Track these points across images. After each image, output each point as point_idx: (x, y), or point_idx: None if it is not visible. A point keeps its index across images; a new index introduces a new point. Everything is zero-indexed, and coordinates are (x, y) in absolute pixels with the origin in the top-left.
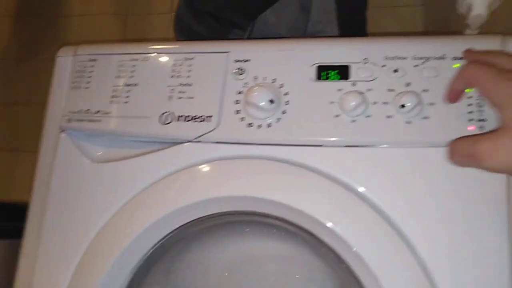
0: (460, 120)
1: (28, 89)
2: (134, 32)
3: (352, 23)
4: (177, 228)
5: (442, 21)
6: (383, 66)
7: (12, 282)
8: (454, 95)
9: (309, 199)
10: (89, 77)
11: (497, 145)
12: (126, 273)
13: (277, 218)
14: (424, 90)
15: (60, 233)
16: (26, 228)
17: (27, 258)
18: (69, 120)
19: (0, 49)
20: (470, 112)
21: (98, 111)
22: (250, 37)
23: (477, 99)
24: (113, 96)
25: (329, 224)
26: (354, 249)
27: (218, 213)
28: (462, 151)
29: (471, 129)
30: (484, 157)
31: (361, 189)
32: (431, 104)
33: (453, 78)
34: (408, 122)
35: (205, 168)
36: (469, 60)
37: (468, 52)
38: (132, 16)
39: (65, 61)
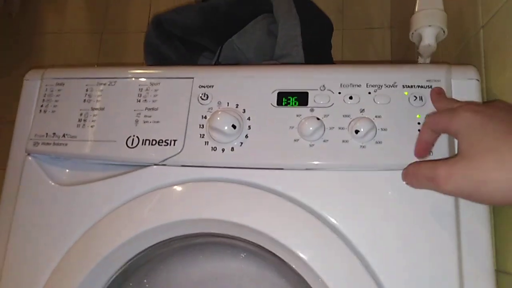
0: (410, 145)
1: (1, 107)
2: (109, 50)
3: (317, 48)
4: (144, 250)
5: (405, 47)
6: (339, 93)
7: None
8: (422, 147)
9: (271, 222)
10: (56, 101)
11: (453, 171)
12: None
13: (241, 239)
14: (377, 116)
15: (25, 256)
16: None
17: None
18: (36, 144)
19: None
20: None
21: (64, 135)
22: (218, 61)
23: None
24: (80, 120)
25: (290, 246)
26: (311, 265)
27: (184, 235)
28: (422, 174)
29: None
30: (442, 181)
31: (321, 211)
32: (383, 129)
33: (419, 134)
34: (363, 147)
35: (171, 190)
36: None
37: (434, 94)
38: (107, 34)
39: (33, 85)
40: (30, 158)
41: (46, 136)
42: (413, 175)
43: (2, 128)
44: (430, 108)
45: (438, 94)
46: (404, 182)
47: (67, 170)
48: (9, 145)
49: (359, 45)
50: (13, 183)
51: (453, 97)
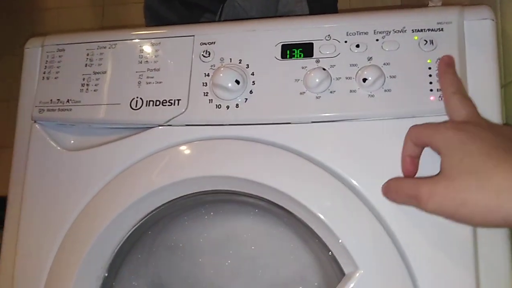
0: (421, 91)
1: (7, 86)
2: (111, 21)
3: (321, 1)
4: (154, 210)
5: None
6: (345, 42)
7: None
8: (407, 164)
9: (281, 177)
10: (58, 67)
11: (435, 191)
12: (107, 253)
13: (250, 195)
14: (385, 64)
15: (38, 220)
16: (6, 218)
17: (8, 247)
18: (41, 111)
19: None
20: (431, 83)
21: (68, 100)
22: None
23: (436, 69)
24: (83, 85)
25: (301, 201)
26: (323, 218)
27: (193, 193)
28: (404, 192)
29: (432, 99)
30: (424, 200)
31: (329, 164)
32: (392, 77)
33: (402, 149)
34: (371, 96)
35: (177, 150)
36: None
37: (443, 65)
38: (108, 6)
39: (34, 52)
40: (36, 125)
41: (51, 103)
42: (395, 193)
43: (9, 105)
44: (441, 52)
45: (447, 66)
46: (384, 197)
47: (73, 136)
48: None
49: None
50: (22, 151)
51: (466, 41)
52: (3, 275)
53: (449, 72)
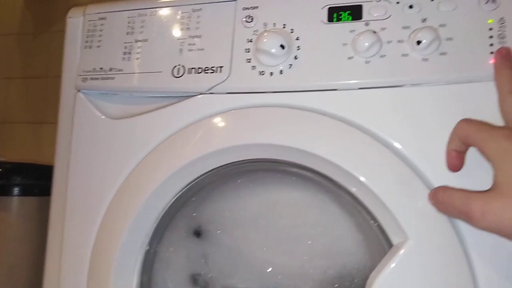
0: (480, 54)
1: (45, 63)
2: None
3: None
4: (198, 178)
5: None
6: (398, 2)
7: (45, 234)
8: (452, 159)
9: (326, 144)
10: (100, 35)
11: (489, 209)
12: (151, 219)
13: (292, 164)
14: (441, 25)
15: (84, 187)
16: (53, 185)
17: (56, 212)
18: (84, 80)
19: (16, 24)
20: (491, 45)
21: (111, 69)
22: None
23: (498, 30)
24: (125, 53)
25: (346, 168)
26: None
27: (235, 162)
28: (454, 206)
29: (493, 63)
30: (475, 218)
31: (379, 132)
32: (449, 39)
33: (448, 142)
34: (425, 60)
35: (220, 118)
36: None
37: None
38: None
39: (76, 22)
40: (80, 94)
41: (94, 71)
42: (444, 205)
43: (47, 81)
44: (504, 10)
45: (504, 58)
46: (431, 202)
47: (116, 105)
48: (57, 101)
49: None
50: (66, 120)
51: None
52: (53, 240)
53: (505, 67)
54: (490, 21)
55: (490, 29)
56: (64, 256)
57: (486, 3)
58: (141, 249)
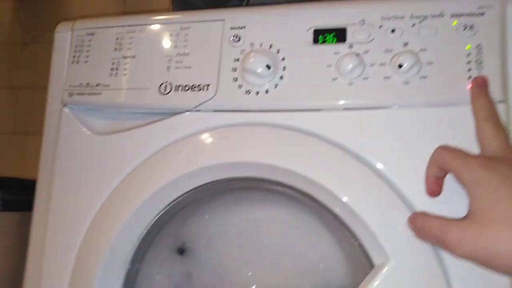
0: (459, 79)
1: (32, 73)
2: (134, 7)
3: None
4: (182, 195)
5: None
6: (380, 26)
7: (25, 251)
8: (431, 184)
9: (310, 164)
10: (88, 51)
11: (465, 237)
12: (134, 237)
13: (277, 183)
14: (422, 49)
15: (67, 203)
16: (35, 201)
17: (38, 228)
18: (71, 94)
19: (4, 34)
20: (469, 70)
21: (98, 84)
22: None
23: (476, 56)
24: (112, 69)
25: (329, 188)
26: (352, 206)
27: (220, 179)
28: (433, 233)
29: (469, 88)
30: (453, 245)
31: (362, 153)
32: (429, 63)
33: (426, 168)
34: (406, 83)
35: (206, 136)
36: (474, 92)
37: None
38: None
39: (64, 37)
40: (66, 109)
41: (80, 86)
42: (422, 231)
43: (35, 92)
44: (481, 37)
45: (480, 88)
46: (409, 227)
47: (102, 120)
48: (43, 112)
49: None
50: (51, 134)
51: (509, 27)
52: (33, 257)
53: (482, 95)
54: (468, 47)
55: (468, 54)
56: (45, 273)
57: (464, 29)
58: (123, 267)
